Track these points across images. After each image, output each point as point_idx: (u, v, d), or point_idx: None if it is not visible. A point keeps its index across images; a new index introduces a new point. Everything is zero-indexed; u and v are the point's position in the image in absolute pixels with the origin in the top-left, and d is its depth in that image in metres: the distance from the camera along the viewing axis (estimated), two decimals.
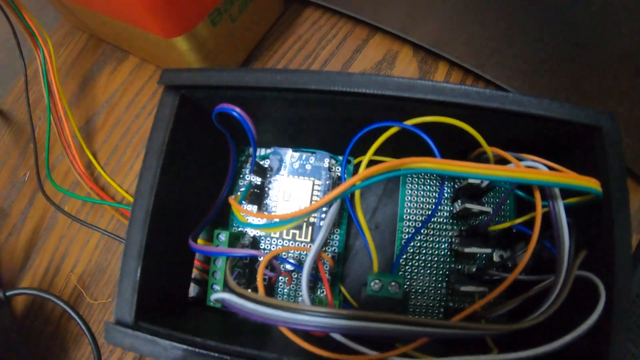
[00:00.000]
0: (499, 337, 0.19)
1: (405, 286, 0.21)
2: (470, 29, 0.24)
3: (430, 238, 0.21)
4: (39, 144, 0.28)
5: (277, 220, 0.15)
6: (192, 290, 0.22)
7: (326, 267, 0.20)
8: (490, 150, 0.18)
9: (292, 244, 0.21)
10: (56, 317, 0.27)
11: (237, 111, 0.17)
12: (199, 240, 0.22)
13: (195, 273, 0.22)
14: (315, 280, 0.21)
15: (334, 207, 0.18)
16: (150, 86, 0.30)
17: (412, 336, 0.14)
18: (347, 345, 0.15)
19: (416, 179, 0.22)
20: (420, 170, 0.14)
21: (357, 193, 0.17)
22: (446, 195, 0.22)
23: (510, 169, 0.14)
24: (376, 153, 0.17)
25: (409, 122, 0.16)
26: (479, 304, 0.16)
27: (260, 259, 0.20)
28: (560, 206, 0.15)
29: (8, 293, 0.23)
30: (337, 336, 0.15)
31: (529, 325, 0.15)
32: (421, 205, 0.22)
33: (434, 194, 0.22)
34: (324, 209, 0.21)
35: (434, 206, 0.22)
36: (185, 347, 0.14)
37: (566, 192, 0.16)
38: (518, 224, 0.19)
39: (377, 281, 0.16)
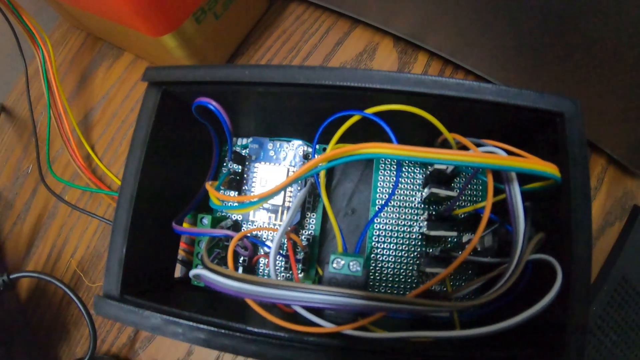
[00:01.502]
0: (467, 319, 0.21)
1: (378, 268, 0.23)
2: (447, 19, 0.26)
3: (402, 222, 0.23)
4: (40, 138, 0.31)
5: (247, 201, 0.18)
6: (180, 271, 0.25)
7: (300, 252, 0.22)
8: (450, 137, 0.19)
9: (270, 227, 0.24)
10: (57, 301, 0.30)
11: (212, 104, 0.20)
12: (185, 225, 0.25)
13: (182, 255, 0.25)
14: (296, 262, 0.23)
15: (303, 191, 0.20)
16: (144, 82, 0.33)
17: (366, 310, 0.16)
18: (311, 319, 0.17)
19: (389, 166, 0.24)
20: (376, 155, 0.16)
21: (322, 174, 0.19)
22: (418, 181, 0.24)
23: (462, 153, 0.15)
24: (348, 142, 0.19)
25: (370, 111, 0.18)
26: (431, 282, 0.17)
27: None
28: (516, 190, 0.16)
29: (12, 276, 0.26)
30: (302, 310, 0.18)
31: (480, 303, 0.16)
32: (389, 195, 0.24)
33: (405, 180, 0.24)
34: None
35: (405, 192, 0.24)
36: (162, 316, 0.17)
37: (529, 177, 0.17)
38: (481, 208, 0.21)
39: (339, 260, 0.18)
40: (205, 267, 0.18)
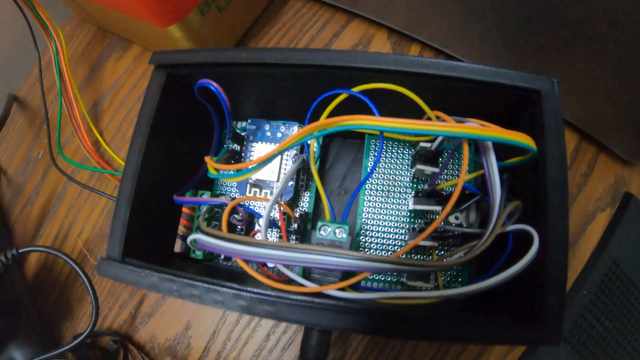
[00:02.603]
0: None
1: (367, 244, 0.25)
2: (438, 12, 0.28)
3: (391, 200, 0.25)
4: (51, 125, 0.34)
5: (243, 168, 0.20)
6: (180, 247, 0.27)
7: (292, 225, 0.24)
8: (432, 114, 0.21)
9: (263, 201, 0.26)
10: (62, 279, 0.32)
11: (213, 85, 0.22)
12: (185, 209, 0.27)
13: (182, 231, 0.27)
14: (288, 233, 0.25)
15: (294, 166, 0.22)
16: (151, 71, 0.36)
17: (350, 268, 0.18)
18: (297, 280, 0.19)
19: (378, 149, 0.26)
20: (360, 125, 0.18)
21: (313, 144, 0.21)
22: (407, 161, 0.26)
23: (440, 123, 0.17)
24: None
25: (356, 89, 0.21)
26: (408, 246, 0.19)
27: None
28: (492, 158, 0.18)
29: (21, 250, 0.28)
30: (289, 272, 0.20)
31: (460, 262, 0.18)
32: (382, 171, 0.26)
33: (394, 160, 0.26)
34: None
35: (395, 171, 0.26)
36: (159, 274, 0.19)
37: (508, 152, 0.19)
38: (465, 183, 0.23)
39: (325, 227, 0.20)
40: (201, 231, 0.20)
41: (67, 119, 0.33)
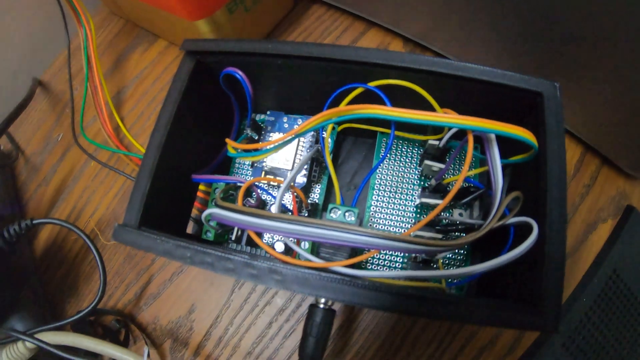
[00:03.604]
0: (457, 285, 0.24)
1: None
2: (452, 23, 0.30)
3: (399, 195, 0.27)
4: (74, 108, 0.37)
5: (261, 148, 0.22)
6: (192, 228, 0.29)
7: (304, 210, 0.26)
8: (441, 111, 0.23)
9: (277, 188, 0.27)
10: (71, 257, 0.34)
11: (238, 73, 0.24)
12: (200, 193, 0.29)
13: (195, 214, 0.28)
14: None
15: (309, 154, 0.24)
16: (175, 65, 0.38)
17: (359, 245, 0.19)
18: (307, 257, 0.21)
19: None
20: (374, 115, 0.20)
21: (328, 132, 0.23)
22: (416, 160, 0.28)
23: (445, 115, 0.19)
24: (353, 120, 0.22)
25: (371, 84, 0.23)
26: (419, 224, 0.20)
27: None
28: (494, 150, 0.20)
29: (35, 221, 0.29)
30: (299, 249, 0.21)
31: (460, 242, 0.19)
32: (391, 168, 0.27)
33: (403, 158, 0.27)
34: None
35: (403, 169, 0.27)
36: (173, 241, 0.20)
37: (511, 150, 0.21)
38: (469, 177, 0.24)
39: (336, 209, 0.22)
40: (218, 205, 0.21)
41: (90, 104, 0.36)
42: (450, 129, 0.24)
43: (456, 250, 0.26)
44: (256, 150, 0.22)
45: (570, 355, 0.27)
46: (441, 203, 0.19)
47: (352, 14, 0.36)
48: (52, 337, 0.26)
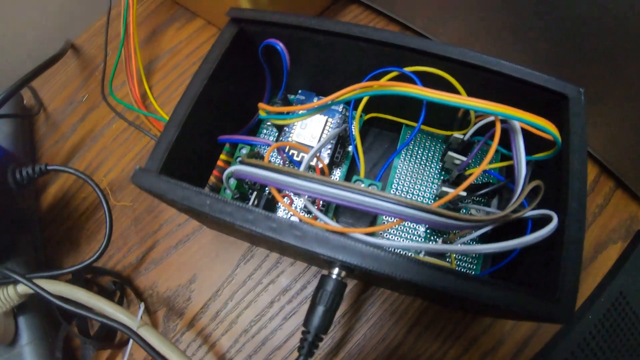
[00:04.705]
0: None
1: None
2: (489, 30, 0.32)
3: (419, 188, 0.28)
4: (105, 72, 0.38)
5: (294, 112, 0.22)
6: None
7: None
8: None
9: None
10: (77, 215, 0.34)
11: (279, 44, 0.25)
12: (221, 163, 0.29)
13: (212, 182, 0.29)
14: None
15: (336, 130, 0.25)
16: (209, 44, 0.39)
17: (382, 212, 0.19)
18: (327, 222, 0.21)
19: (410, 143, 0.29)
20: (407, 93, 0.21)
21: (359, 112, 0.24)
22: (438, 154, 0.28)
23: (479, 100, 0.20)
24: (380, 110, 0.24)
25: (407, 69, 0.24)
26: (445, 199, 0.21)
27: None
28: (519, 139, 0.21)
29: (50, 167, 0.29)
30: (320, 214, 0.21)
31: (488, 219, 0.19)
32: (413, 160, 0.28)
33: (427, 152, 0.28)
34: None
35: (426, 162, 0.28)
36: (193, 187, 0.20)
37: (535, 146, 0.22)
38: (490, 169, 0.25)
39: (359, 182, 0.23)
40: (242, 162, 0.22)
41: (120, 70, 0.37)
42: (475, 123, 0.25)
43: (469, 242, 0.26)
44: (287, 113, 0.23)
45: None
46: (462, 185, 0.20)
47: (388, 16, 0.37)
48: (48, 285, 0.25)
